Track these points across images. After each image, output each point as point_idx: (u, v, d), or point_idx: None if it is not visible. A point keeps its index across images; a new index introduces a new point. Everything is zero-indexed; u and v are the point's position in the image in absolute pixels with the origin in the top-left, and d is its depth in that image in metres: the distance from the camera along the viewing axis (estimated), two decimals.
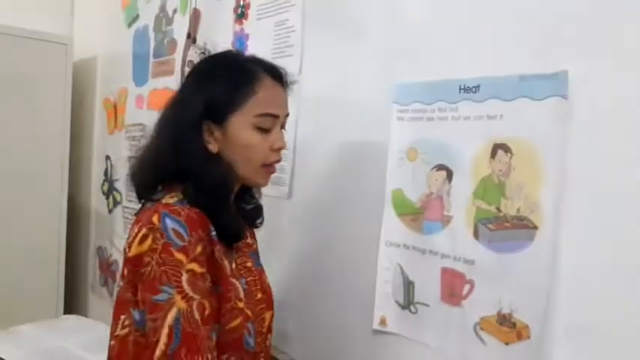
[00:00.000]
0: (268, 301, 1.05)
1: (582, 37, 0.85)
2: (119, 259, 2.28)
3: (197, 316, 0.83)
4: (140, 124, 2.11)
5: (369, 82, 1.20)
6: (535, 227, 0.90)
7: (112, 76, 2.36)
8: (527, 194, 0.92)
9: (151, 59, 2.05)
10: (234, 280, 0.95)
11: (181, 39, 1.86)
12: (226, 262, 0.95)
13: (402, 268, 1.12)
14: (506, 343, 0.94)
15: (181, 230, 0.85)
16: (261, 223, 1.14)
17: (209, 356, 0.84)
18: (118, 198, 2.30)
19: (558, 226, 0.88)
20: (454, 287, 1.03)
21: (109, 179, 2.38)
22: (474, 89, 1.00)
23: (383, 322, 1.15)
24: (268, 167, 0.99)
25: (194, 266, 0.85)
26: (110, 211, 2.37)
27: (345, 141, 1.24)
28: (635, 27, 0.80)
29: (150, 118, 2.01)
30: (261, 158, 0.97)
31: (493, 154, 0.97)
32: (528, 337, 0.90)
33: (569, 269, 0.86)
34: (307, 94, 1.33)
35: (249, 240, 1.08)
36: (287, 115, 1.02)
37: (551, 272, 0.88)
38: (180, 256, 0.84)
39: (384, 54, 1.16)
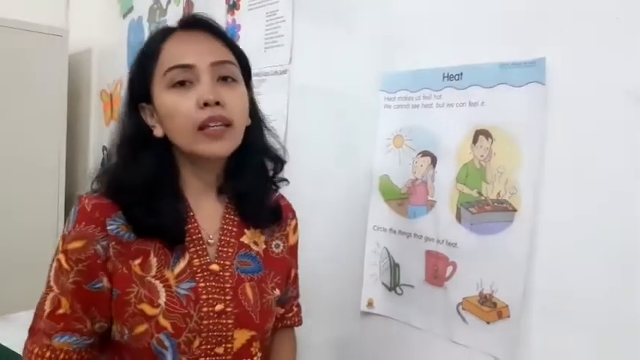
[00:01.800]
0: (243, 318, 0.86)
1: (559, 26, 0.88)
2: None
3: (47, 307, 0.82)
4: None
5: (358, 70, 1.22)
6: (514, 210, 0.94)
7: (107, 67, 2.38)
8: (507, 178, 0.95)
9: None
10: (154, 282, 0.82)
11: None
12: (138, 262, 0.82)
13: (388, 252, 1.15)
14: (488, 322, 0.97)
15: (71, 220, 0.82)
16: (261, 224, 0.95)
17: (36, 350, 0.81)
18: None
19: (536, 208, 0.91)
20: (438, 269, 1.06)
21: None
22: (456, 77, 1.03)
23: (370, 303, 1.19)
24: (205, 130, 0.81)
25: (61, 258, 0.81)
26: None
27: (334, 128, 1.27)
28: (610, 16, 0.82)
29: None
30: (189, 120, 0.80)
31: (475, 140, 1.00)
32: (508, 316, 0.94)
33: (546, 250, 0.90)
34: (297, 83, 1.36)
35: (244, 238, 0.92)
36: (219, 62, 0.84)
37: (530, 253, 0.91)
38: (60, 242, 0.83)
39: (372, 43, 1.19)
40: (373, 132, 1.17)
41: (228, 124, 0.82)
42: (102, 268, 0.81)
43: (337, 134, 1.26)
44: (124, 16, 2.22)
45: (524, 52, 0.92)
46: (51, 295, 0.82)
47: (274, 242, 0.98)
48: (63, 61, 2.37)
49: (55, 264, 0.83)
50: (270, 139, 0.96)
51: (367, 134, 1.18)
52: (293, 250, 1.03)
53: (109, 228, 0.81)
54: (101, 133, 2.44)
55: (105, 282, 0.82)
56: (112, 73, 2.31)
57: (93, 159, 2.51)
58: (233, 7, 1.58)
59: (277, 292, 0.94)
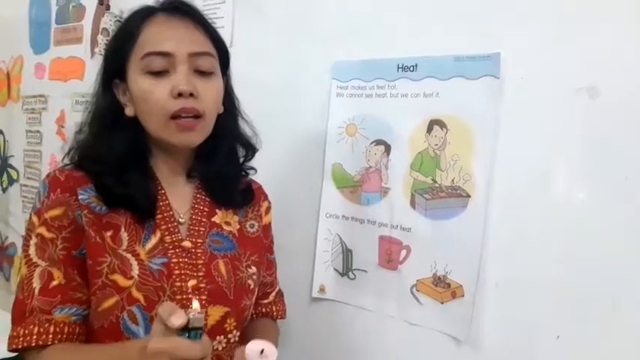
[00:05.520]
0: (216, 294, 0.86)
1: (513, 21, 0.94)
2: (17, 241, 2.11)
3: (36, 284, 0.78)
4: (41, 96, 1.95)
5: (308, 57, 1.22)
6: (468, 196, 0.99)
7: (2, 41, 2.14)
8: (461, 166, 1.00)
9: (53, 25, 1.90)
10: (126, 255, 0.82)
11: (90, 5, 1.74)
12: (109, 234, 0.82)
13: (340, 238, 1.17)
14: (442, 302, 1.03)
15: (43, 192, 0.82)
16: (232, 205, 0.97)
17: (36, 329, 0.76)
18: (14, 175, 2.11)
19: (489, 193, 0.97)
20: (391, 253, 1.10)
21: (2, 156, 2.17)
22: (411, 68, 1.06)
23: (322, 290, 1.20)
24: (177, 120, 0.82)
25: (42, 230, 0.80)
26: (4, 190, 2.18)
27: (282, 116, 1.25)
28: (559, 14, 0.90)
29: (53, 89, 1.88)
30: (162, 108, 0.81)
31: (429, 130, 1.04)
32: (462, 296, 1.00)
33: (498, 232, 0.97)
34: (240, 69, 1.32)
35: (215, 218, 0.93)
36: (198, 53, 0.84)
37: (483, 235, 0.98)
38: (34, 219, 0.82)
39: (324, 30, 1.19)
40: (325, 120, 1.18)
41: (199, 116, 0.84)
42: (82, 234, 0.81)
43: (287, 122, 1.25)
44: None
45: (479, 46, 0.97)
46: (38, 270, 0.79)
47: (249, 222, 1.00)
48: None
49: (34, 240, 0.80)
50: (244, 127, 0.98)
51: (319, 122, 1.18)
52: (266, 230, 1.04)
53: (80, 197, 0.82)
54: None
55: (87, 249, 0.81)
56: (9, 48, 2.09)
57: None
58: None
59: (254, 269, 0.95)
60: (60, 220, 0.80)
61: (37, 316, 0.77)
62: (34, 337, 0.76)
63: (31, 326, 0.77)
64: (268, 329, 1.02)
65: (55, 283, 0.79)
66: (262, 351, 0.76)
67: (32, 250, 0.80)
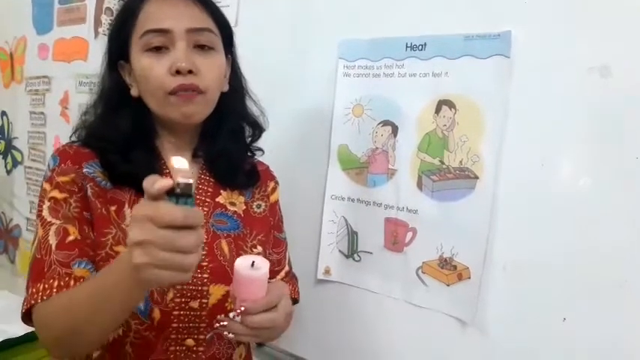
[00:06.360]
0: (218, 272, 0.86)
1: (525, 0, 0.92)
2: (22, 222, 2.11)
3: (53, 241, 0.79)
4: (45, 77, 1.94)
5: (314, 36, 1.20)
6: (476, 177, 0.98)
7: (5, 22, 2.12)
8: (469, 147, 0.99)
9: (56, 5, 1.88)
10: (128, 229, 0.81)
11: None
12: (113, 208, 0.84)
13: (346, 220, 1.17)
14: (448, 284, 1.02)
15: (52, 163, 0.85)
16: (237, 186, 0.97)
17: (56, 283, 0.75)
18: (18, 158, 2.11)
19: (497, 175, 0.96)
20: (397, 235, 1.09)
21: (6, 137, 2.17)
22: (420, 47, 1.04)
23: (327, 272, 1.20)
24: (176, 96, 0.82)
25: (55, 193, 0.82)
26: (9, 172, 2.18)
27: (288, 97, 1.24)
28: None
29: (57, 70, 1.87)
30: (160, 84, 0.82)
31: (437, 110, 1.03)
32: (469, 278, 0.99)
33: (506, 214, 0.96)
34: (245, 49, 1.30)
35: (219, 199, 0.94)
36: (197, 29, 0.83)
37: (490, 217, 0.96)
38: (46, 185, 0.84)
39: (331, 8, 1.17)
40: (331, 100, 1.16)
41: (199, 92, 0.83)
42: (88, 202, 0.83)
43: (292, 102, 1.23)
44: None
45: (489, 25, 0.95)
46: (53, 228, 0.80)
47: (255, 203, 0.99)
48: None
49: (47, 204, 0.82)
50: (251, 107, 0.98)
51: (325, 102, 1.17)
52: (273, 208, 1.03)
53: (85, 170, 0.84)
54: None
55: (93, 219, 0.82)
56: (12, 28, 2.07)
57: None
58: None
59: (259, 248, 0.95)
60: (71, 185, 0.83)
61: (56, 270, 0.77)
62: (54, 290, 0.75)
63: (51, 280, 0.76)
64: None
65: (71, 238, 0.79)
66: (253, 263, 0.73)
67: (46, 213, 0.81)
